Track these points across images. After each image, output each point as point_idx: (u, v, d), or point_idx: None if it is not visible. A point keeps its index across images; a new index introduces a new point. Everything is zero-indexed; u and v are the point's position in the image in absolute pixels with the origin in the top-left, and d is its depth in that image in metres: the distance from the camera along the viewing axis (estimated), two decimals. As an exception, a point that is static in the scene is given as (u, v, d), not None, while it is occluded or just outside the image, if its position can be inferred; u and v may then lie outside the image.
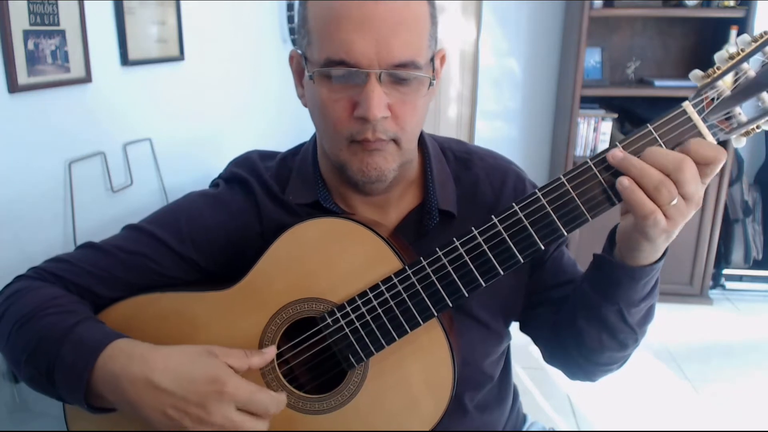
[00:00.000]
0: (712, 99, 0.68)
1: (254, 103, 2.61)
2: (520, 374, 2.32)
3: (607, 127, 3.05)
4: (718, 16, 2.92)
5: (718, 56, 0.70)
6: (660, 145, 0.69)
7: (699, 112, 0.68)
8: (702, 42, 3.13)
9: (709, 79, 0.69)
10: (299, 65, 0.82)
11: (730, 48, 0.71)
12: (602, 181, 0.70)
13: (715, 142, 0.69)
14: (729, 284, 3.18)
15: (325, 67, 0.74)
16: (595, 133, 3.06)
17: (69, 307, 0.79)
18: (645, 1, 2.92)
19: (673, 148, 0.68)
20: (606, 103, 3.12)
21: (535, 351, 0.96)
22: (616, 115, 3.06)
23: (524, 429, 1.07)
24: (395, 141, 0.78)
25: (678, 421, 2.20)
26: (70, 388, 0.73)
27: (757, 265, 3.11)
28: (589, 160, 0.71)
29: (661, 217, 0.67)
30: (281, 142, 2.76)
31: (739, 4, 2.86)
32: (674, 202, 0.66)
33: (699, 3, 2.89)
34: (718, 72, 0.69)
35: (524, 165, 0.94)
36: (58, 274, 0.84)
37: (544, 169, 3.52)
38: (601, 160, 0.70)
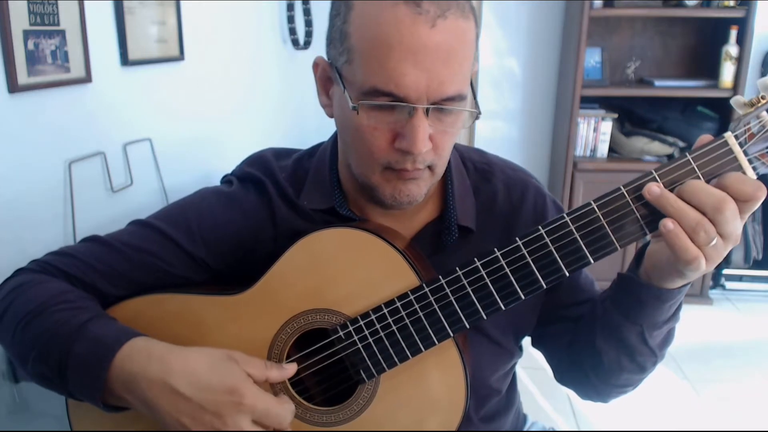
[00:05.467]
0: (755, 131, 0.64)
1: (254, 103, 2.61)
2: (520, 374, 2.31)
3: (607, 127, 3.05)
4: (718, 16, 2.91)
5: (761, 83, 0.65)
6: (698, 177, 0.65)
7: (740, 144, 0.64)
8: (702, 42, 3.12)
9: (752, 109, 0.65)
10: (326, 74, 0.79)
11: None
12: (635, 210, 0.67)
13: (755, 176, 0.65)
14: (729, 284, 3.18)
15: (369, 95, 0.71)
16: (595, 133, 3.06)
17: (79, 303, 0.78)
18: (645, 1, 2.92)
19: (709, 181, 0.65)
20: (606, 103, 3.12)
21: (536, 351, 0.96)
22: (616, 115, 3.06)
23: (524, 429, 1.07)
24: (430, 167, 0.76)
25: (678, 421, 2.20)
26: (85, 385, 0.72)
27: (757, 265, 3.11)
28: (622, 187, 0.67)
29: (704, 262, 0.64)
30: (281, 142, 2.75)
31: (739, 4, 2.86)
32: (713, 243, 0.64)
33: (699, 3, 2.89)
34: (764, 102, 0.64)
35: (524, 165, 0.93)
36: (61, 268, 0.82)
37: (544, 169, 3.52)
38: (634, 188, 0.67)
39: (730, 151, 0.65)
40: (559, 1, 3.27)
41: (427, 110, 0.70)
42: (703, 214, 0.63)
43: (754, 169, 0.65)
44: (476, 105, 0.76)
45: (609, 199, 0.68)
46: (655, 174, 0.66)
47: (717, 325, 2.90)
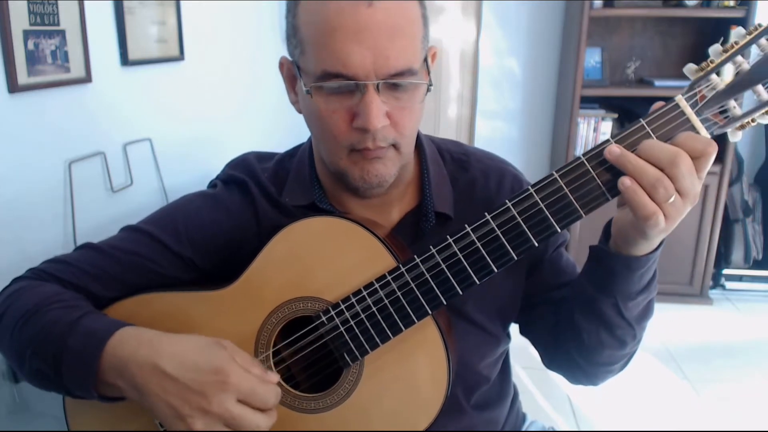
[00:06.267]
0: (706, 93, 0.68)
1: (254, 103, 2.61)
2: (520, 374, 2.32)
3: (607, 127, 3.05)
4: (718, 16, 2.92)
5: (712, 50, 0.69)
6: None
7: (692, 106, 0.68)
8: (702, 42, 3.13)
9: (702, 73, 0.69)
10: (290, 72, 0.82)
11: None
12: (595, 176, 0.69)
13: (709, 136, 0.68)
14: (729, 284, 3.18)
15: (321, 79, 0.74)
16: (595, 133, 3.06)
17: (72, 302, 0.80)
18: (645, 1, 2.92)
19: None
20: (606, 103, 3.12)
21: (535, 351, 0.96)
22: (616, 115, 3.06)
23: (524, 428, 1.08)
24: (394, 146, 0.78)
25: (678, 421, 2.21)
26: (79, 376, 0.74)
27: (757, 265, 3.11)
28: (582, 156, 0.70)
29: (662, 218, 0.67)
30: (281, 142, 2.76)
31: (739, 4, 2.86)
32: (671, 200, 0.66)
33: (699, 3, 2.89)
34: (712, 65, 0.69)
35: (524, 165, 0.94)
36: (56, 274, 0.84)
37: (544, 169, 3.52)
38: (594, 155, 0.70)
39: (683, 113, 0.68)
40: (559, 1, 3.27)
41: (378, 86, 0.73)
42: (661, 170, 0.66)
43: (708, 129, 0.68)
44: (430, 80, 0.79)
45: (570, 168, 0.70)
46: (612, 141, 0.69)
47: (717, 325, 2.90)
